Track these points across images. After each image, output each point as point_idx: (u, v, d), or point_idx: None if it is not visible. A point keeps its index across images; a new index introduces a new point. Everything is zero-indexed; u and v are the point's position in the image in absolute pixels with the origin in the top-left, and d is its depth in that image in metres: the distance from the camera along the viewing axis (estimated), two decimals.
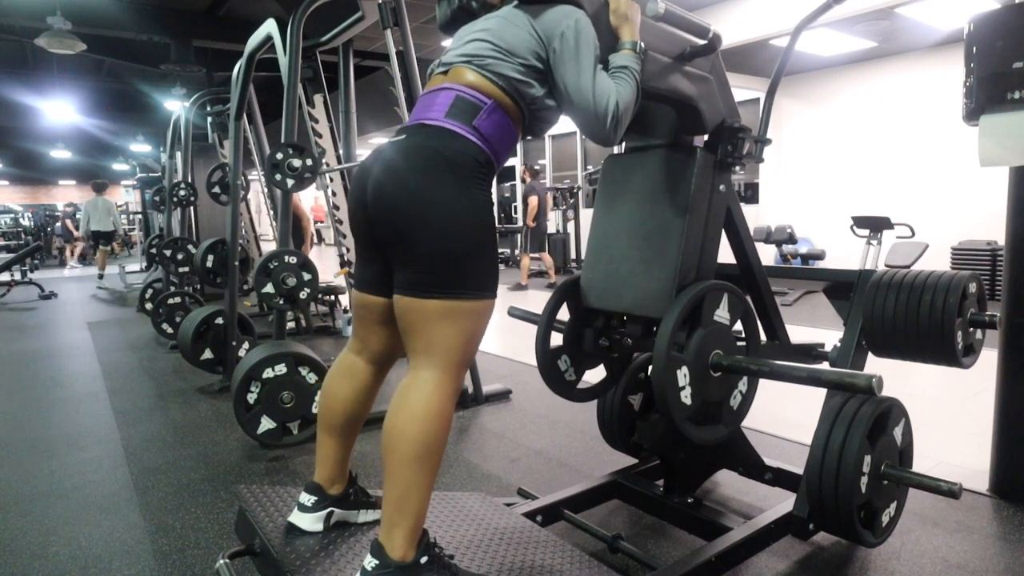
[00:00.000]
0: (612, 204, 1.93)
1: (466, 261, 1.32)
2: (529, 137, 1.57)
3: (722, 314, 1.67)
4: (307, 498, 1.55)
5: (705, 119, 1.76)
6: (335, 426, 1.57)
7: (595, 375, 2.09)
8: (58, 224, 19.21)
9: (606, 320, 1.99)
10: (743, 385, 1.73)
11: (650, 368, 1.63)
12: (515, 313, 2.32)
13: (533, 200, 8.52)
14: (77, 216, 14.74)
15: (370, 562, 1.29)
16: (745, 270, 2.01)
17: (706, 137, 1.82)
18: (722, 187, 1.81)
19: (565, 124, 6.79)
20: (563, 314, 2.01)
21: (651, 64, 1.60)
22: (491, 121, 1.39)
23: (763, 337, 2.07)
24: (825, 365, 2.11)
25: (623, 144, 2.00)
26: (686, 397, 1.59)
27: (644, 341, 1.87)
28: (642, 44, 1.52)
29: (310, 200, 18.86)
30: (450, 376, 1.34)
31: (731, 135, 1.80)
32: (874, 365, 2.04)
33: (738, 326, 1.76)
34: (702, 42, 1.70)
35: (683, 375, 1.58)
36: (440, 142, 1.35)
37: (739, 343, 1.76)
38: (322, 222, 18.19)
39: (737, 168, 1.86)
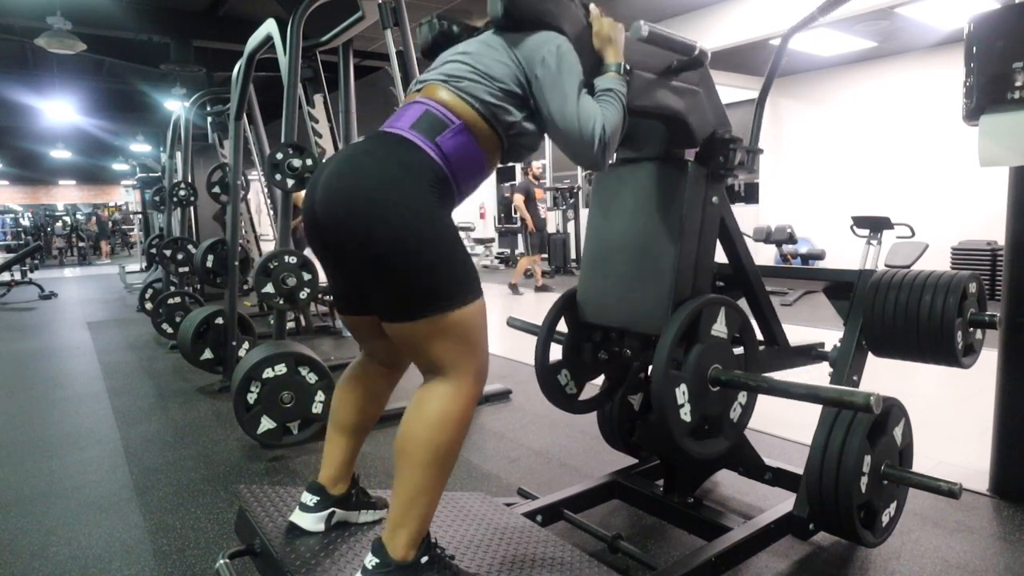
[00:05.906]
0: (605, 217, 1.92)
1: (434, 273, 1.27)
2: (511, 163, 1.54)
3: (719, 328, 1.66)
4: (309, 498, 1.55)
5: (695, 132, 1.73)
6: (347, 427, 1.57)
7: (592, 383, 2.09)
8: (58, 224, 19.23)
9: (604, 334, 1.98)
10: (743, 397, 1.72)
11: (650, 368, 1.63)
12: (515, 324, 2.33)
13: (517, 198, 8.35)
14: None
15: (371, 561, 1.29)
16: (742, 279, 2.00)
17: (697, 149, 1.79)
18: (715, 199, 1.79)
19: None
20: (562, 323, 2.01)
21: (637, 82, 1.57)
22: (456, 142, 1.35)
23: (762, 334, 2.07)
24: (825, 365, 2.12)
25: (615, 155, 1.99)
26: (685, 414, 1.59)
27: (642, 354, 1.87)
28: (627, 65, 1.50)
29: None
30: (467, 384, 1.32)
31: (722, 146, 1.77)
32: (874, 365, 2.04)
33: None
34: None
35: (682, 393, 1.58)
36: (398, 150, 1.32)
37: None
38: None
39: (731, 180, 1.84)
